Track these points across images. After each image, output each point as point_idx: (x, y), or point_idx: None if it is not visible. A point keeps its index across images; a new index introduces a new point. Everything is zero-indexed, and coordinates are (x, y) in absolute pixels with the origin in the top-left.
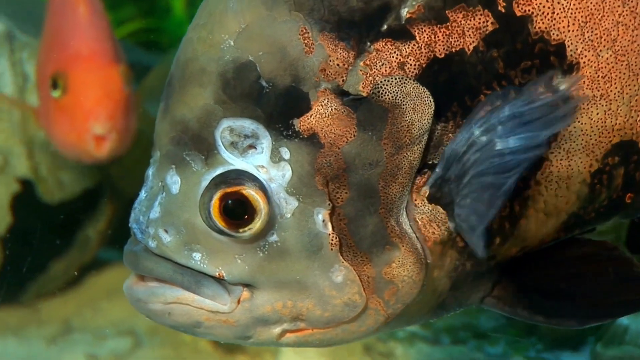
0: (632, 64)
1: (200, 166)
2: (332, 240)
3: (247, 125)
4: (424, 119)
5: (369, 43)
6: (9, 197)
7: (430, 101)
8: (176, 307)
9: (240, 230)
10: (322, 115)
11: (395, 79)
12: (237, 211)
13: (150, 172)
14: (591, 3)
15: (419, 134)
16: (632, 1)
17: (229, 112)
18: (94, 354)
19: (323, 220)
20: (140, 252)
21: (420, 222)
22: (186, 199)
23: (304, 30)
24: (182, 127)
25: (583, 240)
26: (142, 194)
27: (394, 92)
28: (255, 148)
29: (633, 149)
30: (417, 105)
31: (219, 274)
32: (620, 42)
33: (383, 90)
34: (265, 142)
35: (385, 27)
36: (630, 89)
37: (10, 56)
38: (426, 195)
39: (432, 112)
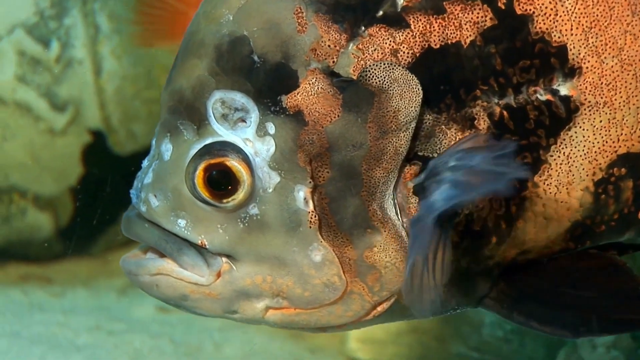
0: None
1: (191, 135)
2: (311, 218)
3: (238, 98)
4: (411, 107)
5: (363, 27)
6: (80, 148)
7: (418, 89)
8: (161, 279)
9: (224, 200)
10: (309, 93)
11: (384, 64)
12: (221, 182)
13: (153, 140)
14: (598, 9)
15: (406, 121)
16: None
17: (221, 84)
18: (164, 305)
19: (304, 198)
20: (133, 217)
21: (408, 211)
22: (175, 166)
23: (299, 10)
24: (179, 97)
25: (592, 253)
26: (145, 162)
27: (381, 76)
28: (245, 122)
29: None
30: (405, 92)
31: (201, 242)
32: (627, 51)
33: (371, 74)
34: (254, 116)
35: (380, 13)
36: (637, 100)
37: (82, 7)
38: (411, 190)
39: (420, 100)
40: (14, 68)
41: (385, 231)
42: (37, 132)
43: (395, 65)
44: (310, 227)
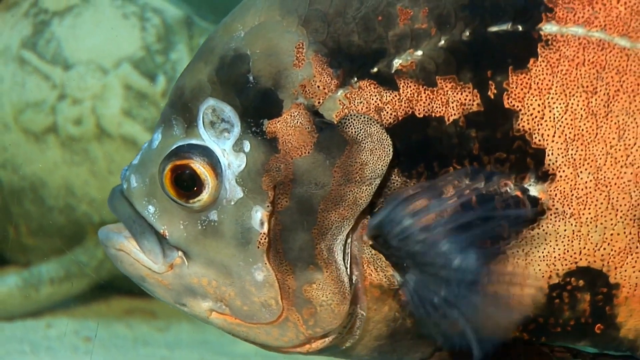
0: (612, 198)
1: (179, 132)
2: (261, 239)
3: (227, 110)
4: (379, 164)
5: (355, 78)
6: None
7: (389, 150)
8: (124, 256)
9: (191, 201)
10: (288, 124)
11: (364, 117)
12: (187, 182)
13: None
14: (585, 124)
15: (371, 176)
16: (629, 139)
17: (215, 92)
18: None
19: (260, 219)
20: (116, 192)
21: (360, 259)
22: (158, 156)
23: (301, 45)
24: (180, 94)
25: (542, 351)
26: (144, 146)
27: (358, 128)
28: (228, 133)
29: (602, 281)
30: (375, 149)
31: (163, 232)
32: (605, 172)
33: (349, 123)
34: (236, 130)
35: (375, 69)
36: (605, 221)
37: (188, 42)
38: (367, 243)
39: (389, 160)
40: (120, 102)
41: (327, 272)
42: None
43: (373, 121)
44: (259, 247)
